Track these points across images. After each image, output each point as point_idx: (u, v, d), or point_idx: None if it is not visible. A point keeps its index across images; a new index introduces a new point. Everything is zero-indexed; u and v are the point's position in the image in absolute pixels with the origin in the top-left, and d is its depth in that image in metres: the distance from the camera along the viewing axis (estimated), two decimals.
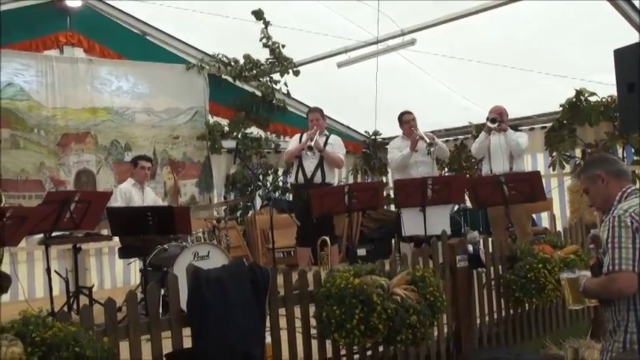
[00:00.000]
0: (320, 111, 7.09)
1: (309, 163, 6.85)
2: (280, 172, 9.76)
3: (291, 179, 7.37)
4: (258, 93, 9.56)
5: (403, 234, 6.13)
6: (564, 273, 3.39)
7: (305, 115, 7.99)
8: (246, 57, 9.26)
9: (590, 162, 3.25)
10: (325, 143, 6.92)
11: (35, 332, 2.67)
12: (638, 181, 7.37)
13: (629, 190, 2.94)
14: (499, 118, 6.79)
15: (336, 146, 7.01)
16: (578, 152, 8.32)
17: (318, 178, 6.83)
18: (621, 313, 2.75)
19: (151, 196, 6.70)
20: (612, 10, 6.55)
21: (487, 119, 6.89)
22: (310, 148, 6.71)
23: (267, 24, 8.82)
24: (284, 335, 3.76)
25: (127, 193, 6.43)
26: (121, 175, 7.75)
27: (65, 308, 5.31)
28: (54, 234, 5.34)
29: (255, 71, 9.35)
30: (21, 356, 2.58)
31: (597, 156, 3.30)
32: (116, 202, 6.30)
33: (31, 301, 5.44)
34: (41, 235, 5.33)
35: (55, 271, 5.61)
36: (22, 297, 6.03)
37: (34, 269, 7.31)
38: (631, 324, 2.71)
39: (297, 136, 7.19)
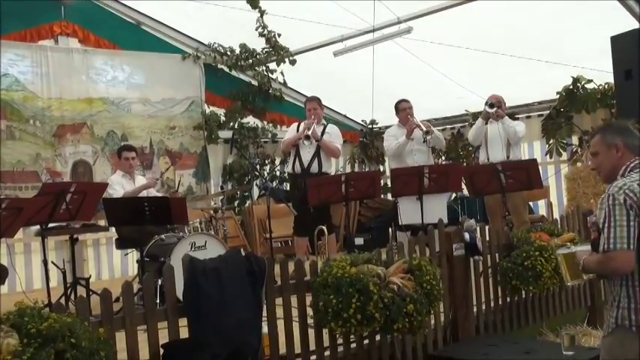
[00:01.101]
0: (317, 100, 7.06)
1: (306, 153, 6.85)
2: (277, 162, 9.76)
3: (288, 168, 7.35)
4: (255, 82, 9.53)
5: (400, 223, 6.13)
6: (560, 249, 3.38)
7: (301, 104, 7.97)
8: (242, 46, 9.23)
9: (612, 128, 3.08)
10: (322, 133, 6.91)
11: (31, 324, 2.68)
12: None
13: (632, 165, 2.86)
14: (497, 103, 6.76)
15: (333, 136, 7.00)
16: (575, 140, 8.31)
17: (314, 168, 6.82)
18: (616, 288, 2.76)
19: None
20: None
21: (485, 104, 6.86)
22: (307, 138, 6.69)
23: (262, 13, 8.79)
24: (281, 324, 3.77)
25: (119, 184, 6.40)
26: (117, 166, 7.73)
27: (63, 299, 5.31)
28: (50, 225, 5.33)
29: (251, 60, 9.32)
30: (17, 348, 2.58)
31: (620, 124, 3.16)
32: (114, 191, 6.25)
33: (29, 293, 5.43)
34: (38, 227, 5.32)
35: (52, 262, 5.59)
36: (20, 288, 6.02)
37: (31, 260, 7.31)
38: (623, 299, 2.72)
39: (295, 125, 7.17)
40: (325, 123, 7.15)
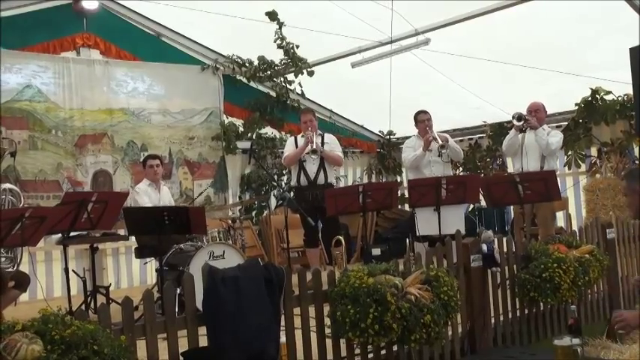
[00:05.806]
0: (312, 112, 7.20)
1: (311, 165, 6.90)
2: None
3: (292, 182, 7.32)
4: (273, 93, 9.61)
5: (417, 234, 6.12)
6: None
7: (320, 116, 7.99)
8: (261, 58, 9.31)
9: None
10: (322, 143, 6.95)
11: (54, 331, 2.71)
12: None
13: None
14: (525, 116, 6.59)
15: (333, 144, 7.06)
16: (593, 151, 8.27)
17: (321, 179, 6.90)
18: None
19: (167, 198, 6.72)
20: (626, 6, 6.52)
21: (512, 117, 6.66)
22: (314, 152, 6.75)
23: (281, 25, 8.87)
24: (298, 334, 3.78)
25: (146, 194, 6.46)
26: (137, 175, 7.82)
27: (83, 307, 5.38)
28: (72, 234, 5.40)
29: (269, 72, 9.39)
30: (41, 354, 2.63)
31: None
32: (142, 201, 6.31)
33: (50, 300, 5.50)
34: (59, 235, 5.40)
35: (73, 271, 5.67)
36: (41, 296, 6.10)
37: (52, 269, 7.40)
38: None
39: (292, 139, 7.19)
40: (321, 133, 7.18)
